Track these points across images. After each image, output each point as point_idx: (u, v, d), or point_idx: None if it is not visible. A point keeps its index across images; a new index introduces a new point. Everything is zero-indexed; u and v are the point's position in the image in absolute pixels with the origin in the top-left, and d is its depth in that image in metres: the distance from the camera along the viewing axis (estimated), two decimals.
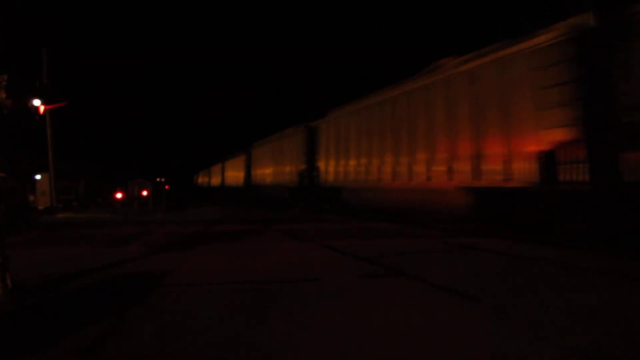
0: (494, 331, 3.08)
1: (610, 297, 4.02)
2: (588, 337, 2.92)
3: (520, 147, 8.48)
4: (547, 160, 7.77)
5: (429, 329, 3.17)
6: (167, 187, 27.58)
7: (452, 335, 3.02)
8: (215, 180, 47.97)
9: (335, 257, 6.33)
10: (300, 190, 19.82)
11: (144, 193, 18.95)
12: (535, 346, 2.78)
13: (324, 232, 9.54)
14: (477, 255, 6.38)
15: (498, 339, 2.92)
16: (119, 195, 18.96)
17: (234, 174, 35.97)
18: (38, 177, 17.18)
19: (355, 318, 3.40)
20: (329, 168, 17.47)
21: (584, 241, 7.15)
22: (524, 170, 8.30)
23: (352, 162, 15.49)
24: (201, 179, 65.29)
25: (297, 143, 20.60)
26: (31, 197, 15.88)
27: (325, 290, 4.32)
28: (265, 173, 26.46)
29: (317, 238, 8.37)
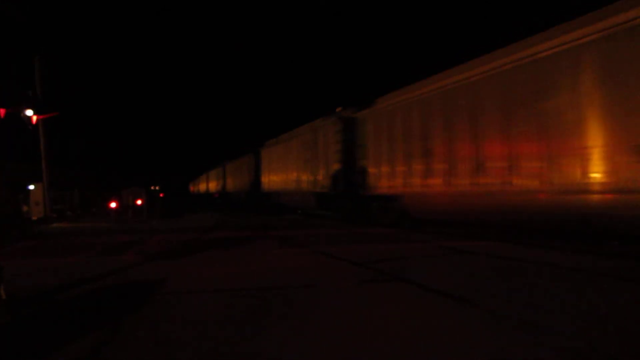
0: (491, 334, 3.09)
1: (604, 298, 4.05)
2: (584, 338, 2.94)
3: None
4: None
5: (428, 333, 3.17)
6: (161, 195, 27.44)
7: (450, 339, 3.03)
8: (203, 188, 56.19)
9: (332, 263, 6.34)
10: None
11: (139, 202, 18.82)
12: (532, 348, 2.80)
13: (317, 238, 9.54)
14: (472, 259, 6.41)
15: (495, 342, 2.93)
16: (113, 204, 18.86)
17: (216, 183, 43.51)
18: (31, 187, 17.05)
19: (353, 324, 3.40)
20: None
21: (577, 243, 7.23)
22: None
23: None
24: (194, 187, 71.69)
25: (249, 161, 26.70)
26: (25, 208, 15.74)
27: (323, 297, 4.31)
28: (235, 183, 32.71)
29: (311, 244, 8.37)
